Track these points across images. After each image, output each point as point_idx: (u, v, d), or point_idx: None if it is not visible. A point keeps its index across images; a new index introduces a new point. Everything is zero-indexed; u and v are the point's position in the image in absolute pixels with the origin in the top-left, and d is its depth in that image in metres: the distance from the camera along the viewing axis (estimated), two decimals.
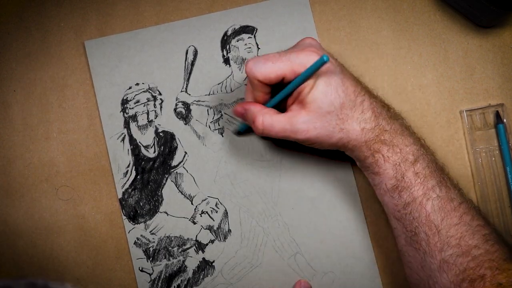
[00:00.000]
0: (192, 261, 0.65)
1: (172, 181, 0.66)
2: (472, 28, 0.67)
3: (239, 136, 0.66)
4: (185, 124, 0.66)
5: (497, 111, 0.65)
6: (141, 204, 0.66)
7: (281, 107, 0.59)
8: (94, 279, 0.65)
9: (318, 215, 0.65)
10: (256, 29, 0.67)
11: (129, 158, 0.66)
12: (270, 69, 0.55)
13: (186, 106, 0.66)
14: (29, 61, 0.67)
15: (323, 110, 0.56)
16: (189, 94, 0.66)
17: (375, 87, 0.66)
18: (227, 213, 0.66)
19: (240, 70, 0.67)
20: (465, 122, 0.65)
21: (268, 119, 0.57)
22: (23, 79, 0.67)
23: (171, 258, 0.65)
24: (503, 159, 0.65)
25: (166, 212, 0.66)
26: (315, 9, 0.67)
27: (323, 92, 0.55)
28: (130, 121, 0.66)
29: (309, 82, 0.55)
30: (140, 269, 0.65)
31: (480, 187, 0.65)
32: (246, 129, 0.65)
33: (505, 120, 0.65)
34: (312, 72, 0.54)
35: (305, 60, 0.55)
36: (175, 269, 0.65)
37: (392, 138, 0.57)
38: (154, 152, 0.66)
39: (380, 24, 0.67)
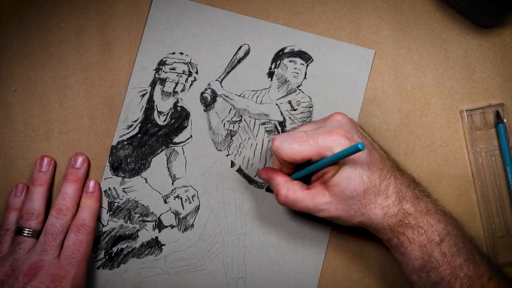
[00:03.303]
0: (145, 234, 0.66)
1: (165, 154, 0.66)
2: (472, 27, 0.67)
3: (267, 192, 0.66)
4: (205, 111, 0.67)
5: (497, 111, 0.65)
6: (128, 160, 0.66)
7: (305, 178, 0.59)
8: None
9: (279, 257, 0.65)
10: (312, 60, 0.67)
11: (139, 115, 0.66)
12: (297, 151, 0.55)
13: (214, 95, 0.66)
14: (29, 61, 0.67)
15: (346, 195, 0.55)
16: (222, 86, 0.67)
17: (375, 86, 0.66)
18: (198, 209, 0.66)
19: (278, 89, 0.67)
20: (465, 122, 0.66)
21: (292, 195, 0.57)
22: (23, 79, 0.67)
23: (128, 222, 0.66)
24: (503, 159, 0.65)
25: (145, 179, 0.66)
26: (315, 8, 0.67)
27: (347, 178, 0.55)
28: (158, 82, 0.67)
29: (334, 166, 0.55)
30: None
31: (480, 186, 0.65)
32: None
33: (505, 120, 0.65)
34: (342, 157, 0.53)
35: (333, 144, 0.54)
36: (127, 233, 0.65)
37: (416, 220, 0.56)
38: (164, 121, 0.66)
39: (380, 24, 0.67)
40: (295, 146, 0.55)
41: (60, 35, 0.67)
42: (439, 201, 0.60)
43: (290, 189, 0.58)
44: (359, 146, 0.50)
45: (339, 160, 0.54)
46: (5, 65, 0.67)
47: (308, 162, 0.57)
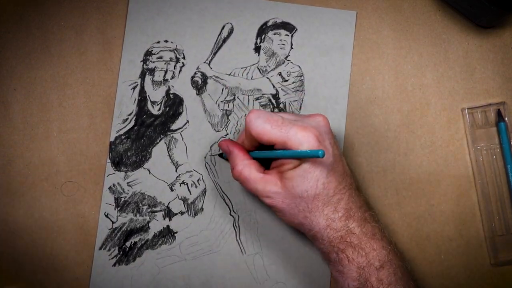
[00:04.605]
0: (157, 224, 0.66)
1: (165, 143, 0.66)
2: (473, 28, 0.67)
3: (221, 158, 0.66)
4: (197, 94, 0.67)
5: (499, 109, 0.65)
6: (128, 154, 0.66)
7: (264, 160, 0.60)
8: None
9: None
10: (296, 29, 0.67)
11: (133, 107, 0.66)
12: (266, 131, 0.55)
13: (204, 78, 0.67)
14: (29, 60, 0.67)
15: (295, 193, 0.55)
16: (211, 68, 0.67)
17: (376, 86, 0.66)
18: (205, 191, 0.66)
19: (267, 62, 0.67)
20: (467, 120, 0.66)
21: (246, 173, 0.58)
22: (23, 78, 0.67)
23: (138, 215, 0.66)
24: (504, 158, 0.65)
25: (149, 170, 0.66)
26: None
27: (303, 176, 0.55)
28: (147, 73, 0.67)
29: (295, 160, 0.55)
30: (106, 214, 0.65)
31: (480, 185, 0.65)
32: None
33: (506, 119, 0.65)
34: (302, 157, 0.53)
35: (302, 140, 0.54)
36: (138, 226, 0.65)
37: (359, 241, 0.56)
38: (159, 110, 0.67)
39: (381, 24, 0.67)
40: (267, 126, 0.55)
41: (60, 34, 0.67)
42: (387, 230, 0.61)
43: (246, 166, 0.58)
44: (319, 153, 0.51)
45: (299, 159, 0.55)
46: (5, 64, 0.67)
47: (271, 147, 0.57)
